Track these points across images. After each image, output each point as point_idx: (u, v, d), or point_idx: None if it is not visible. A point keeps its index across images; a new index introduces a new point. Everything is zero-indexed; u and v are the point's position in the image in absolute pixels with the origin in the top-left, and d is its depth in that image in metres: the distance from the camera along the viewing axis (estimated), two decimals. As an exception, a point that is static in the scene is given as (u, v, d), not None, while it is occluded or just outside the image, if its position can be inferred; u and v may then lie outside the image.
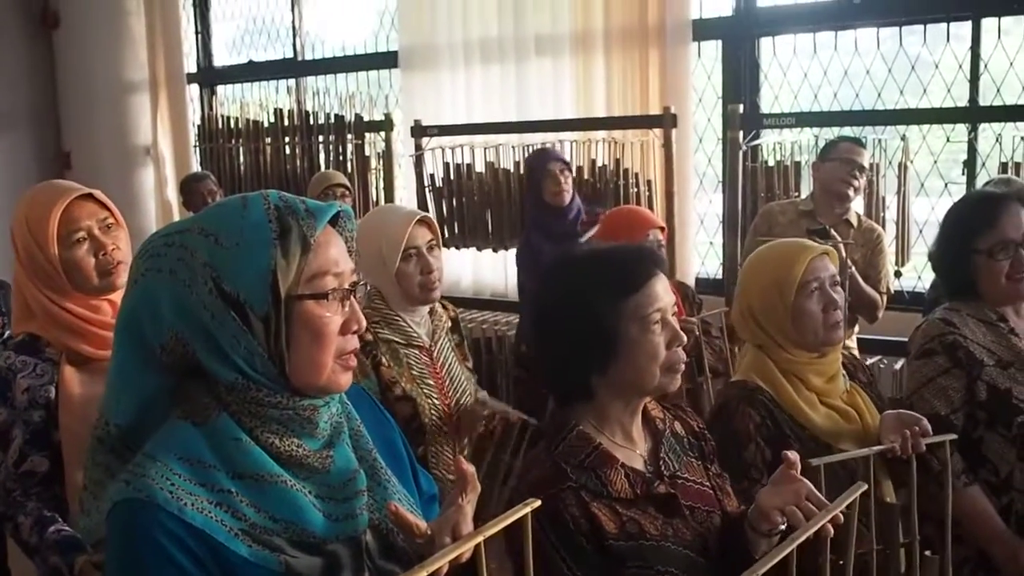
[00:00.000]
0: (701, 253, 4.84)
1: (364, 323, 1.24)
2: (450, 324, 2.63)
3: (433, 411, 2.41)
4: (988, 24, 4.12)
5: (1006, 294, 2.27)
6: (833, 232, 3.31)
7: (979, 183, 3.88)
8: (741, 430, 1.91)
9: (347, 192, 4.25)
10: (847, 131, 3.95)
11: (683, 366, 1.60)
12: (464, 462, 1.22)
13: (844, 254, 3.26)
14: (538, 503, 1.19)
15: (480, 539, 1.12)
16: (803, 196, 3.90)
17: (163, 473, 1.14)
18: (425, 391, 2.42)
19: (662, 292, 1.58)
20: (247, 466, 1.17)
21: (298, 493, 1.19)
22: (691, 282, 4.41)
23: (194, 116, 6.45)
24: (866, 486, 1.47)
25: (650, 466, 1.62)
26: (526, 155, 4.49)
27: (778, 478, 1.47)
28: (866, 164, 3.62)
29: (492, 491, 2.44)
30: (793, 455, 1.48)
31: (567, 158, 4.22)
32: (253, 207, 1.19)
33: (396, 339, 2.43)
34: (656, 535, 1.53)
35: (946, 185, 4.22)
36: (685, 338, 1.60)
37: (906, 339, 2.41)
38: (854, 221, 3.62)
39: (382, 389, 2.35)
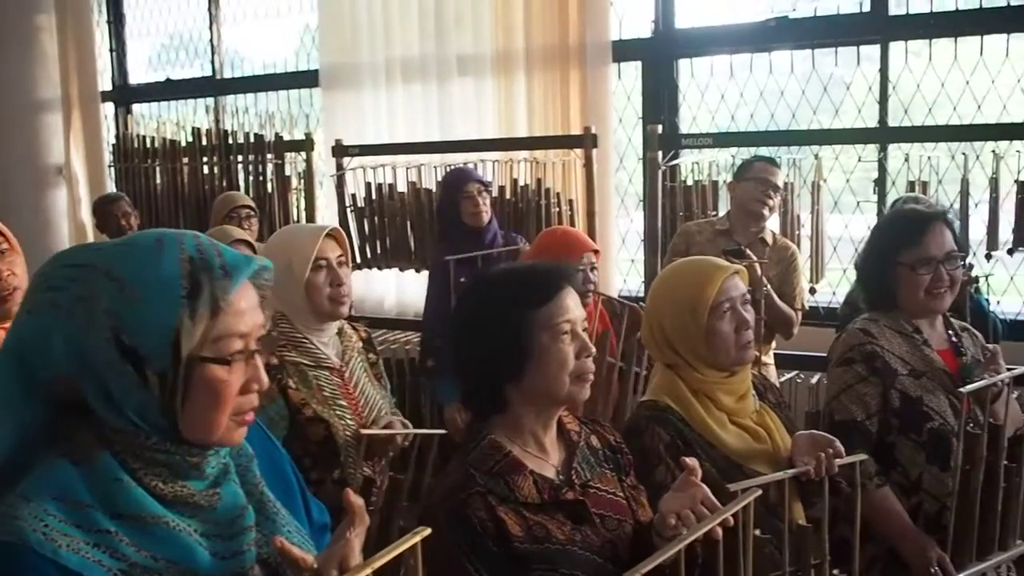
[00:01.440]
0: (623, 271, 4.88)
1: (266, 382, 1.20)
2: (361, 344, 2.60)
3: (348, 432, 2.37)
4: (896, 48, 4.25)
5: (924, 307, 2.37)
6: (747, 251, 3.37)
7: (889, 201, 3.99)
8: (651, 450, 1.92)
9: (252, 213, 4.18)
10: (763, 151, 4.03)
11: (592, 376, 1.65)
12: (352, 495, 1.20)
13: (759, 272, 3.33)
14: (427, 531, 1.18)
15: (368, 571, 1.10)
16: (720, 215, 3.96)
17: (36, 514, 1.08)
18: (338, 412, 2.38)
19: (572, 305, 1.64)
20: (128, 507, 1.12)
21: (182, 533, 1.15)
22: (613, 300, 4.44)
23: (109, 135, 6.31)
24: (760, 491, 1.54)
25: (562, 475, 1.65)
26: (447, 175, 4.49)
27: (679, 484, 1.53)
28: (780, 183, 3.69)
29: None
30: (692, 461, 1.54)
31: (488, 178, 4.20)
32: (167, 256, 1.13)
33: (304, 361, 2.39)
34: (563, 540, 1.57)
35: (858, 203, 4.32)
36: (594, 350, 1.66)
37: (822, 354, 2.48)
38: (769, 239, 3.68)
39: (292, 411, 2.32)
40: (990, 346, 2.39)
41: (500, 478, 1.58)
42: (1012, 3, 4.08)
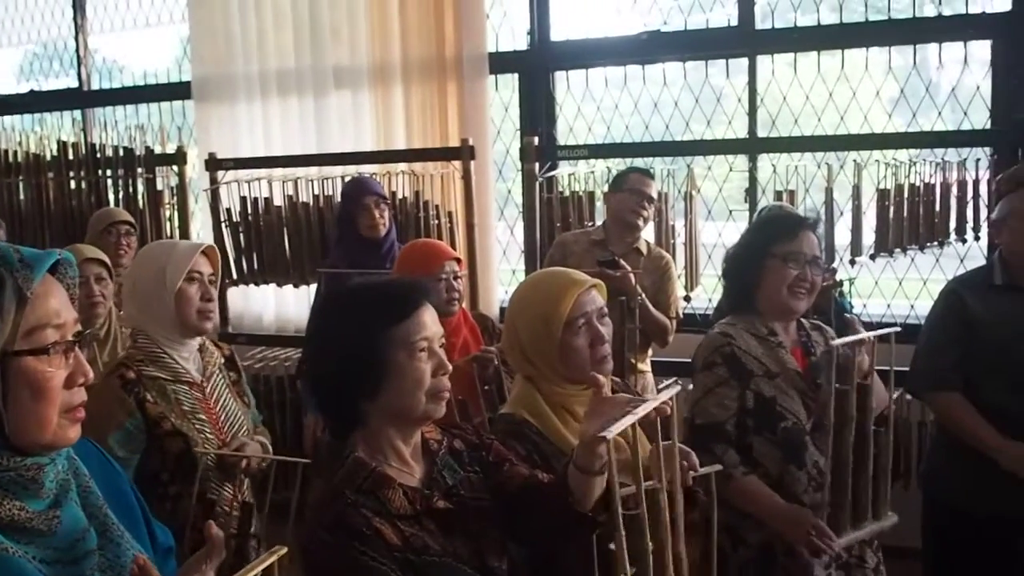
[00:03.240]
0: (504, 282, 4.89)
1: (91, 375, 1.17)
2: (223, 361, 2.60)
3: (208, 447, 2.37)
4: (763, 61, 4.38)
5: (782, 305, 2.43)
6: (621, 261, 3.42)
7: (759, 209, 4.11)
8: None
9: (132, 230, 4.04)
10: (638, 162, 4.10)
11: (448, 393, 1.65)
12: (214, 527, 1.18)
13: (633, 282, 3.38)
14: (284, 550, 1.16)
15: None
16: (595, 225, 4.01)
17: None
18: (198, 427, 2.38)
19: (429, 322, 1.63)
20: None
21: (20, 560, 1.10)
22: (495, 311, 4.45)
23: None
24: (679, 387, 1.59)
25: (426, 487, 1.65)
26: (326, 188, 4.43)
27: (593, 406, 1.56)
28: (655, 194, 3.75)
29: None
30: (601, 377, 1.61)
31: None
32: None
33: (163, 375, 2.38)
34: (439, 551, 1.58)
35: (731, 212, 4.44)
36: (449, 367, 1.65)
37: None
38: (644, 249, 3.73)
39: (150, 425, 2.32)
40: (847, 315, 2.48)
41: (371, 494, 1.57)
42: (870, 19, 4.26)
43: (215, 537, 1.19)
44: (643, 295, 3.49)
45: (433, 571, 1.55)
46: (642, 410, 1.44)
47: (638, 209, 3.65)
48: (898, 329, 2.34)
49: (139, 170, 5.00)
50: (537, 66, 4.75)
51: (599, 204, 4.30)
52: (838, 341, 2.22)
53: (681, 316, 3.82)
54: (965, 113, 4.17)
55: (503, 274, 4.88)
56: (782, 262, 2.41)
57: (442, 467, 1.69)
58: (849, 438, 2.23)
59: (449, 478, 1.68)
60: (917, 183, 3.88)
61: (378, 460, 1.62)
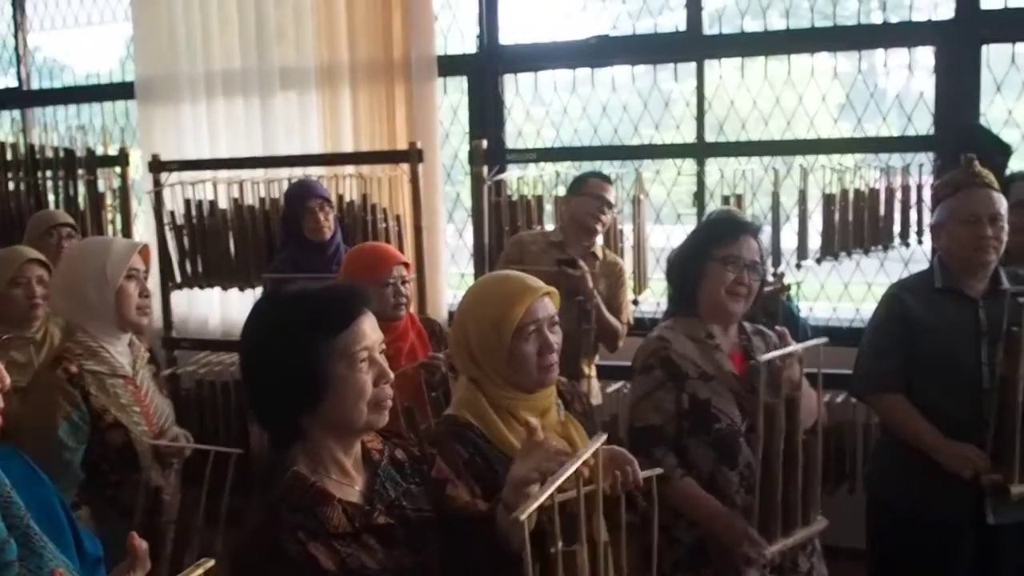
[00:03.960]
0: (453, 286, 4.86)
1: (7, 380, 1.12)
2: (147, 355, 2.72)
3: (145, 439, 2.50)
4: (711, 66, 4.40)
5: (721, 307, 2.46)
6: (581, 263, 3.44)
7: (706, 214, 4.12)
8: (451, 467, 1.89)
9: (73, 232, 3.95)
10: (586, 165, 4.10)
11: (391, 402, 1.62)
12: (136, 538, 1.14)
13: (591, 283, 3.40)
14: (212, 563, 1.13)
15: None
16: (546, 228, 4.01)
17: None
18: (135, 419, 2.51)
19: (369, 330, 1.60)
20: None
21: None
22: (444, 315, 4.43)
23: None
24: (606, 435, 1.60)
25: (367, 499, 1.62)
26: (272, 191, 4.37)
27: (524, 449, 1.57)
28: (613, 200, 3.75)
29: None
30: (535, 421, 1.61)
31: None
32: None
33: (102, 370, 2.50)
34: (376, 568, 1.55)
35: (679, 216, 4.45)
36: (392, 376, 1.62)
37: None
38: (600, 254, 3.75)
39: (94, 418, 2.44)
40: (778, 328, 2.49)
41: (309, 512, 1.53)
42: (817, 25, 4.29)
43: (139, 549, 1.14)
44: (599, 298, 3.51)
45: None
46: (562, 476, 1.43)
47: (597, 214, 3.66)
48: (826, 340, 2.34)
49: (80, 172, 4.90)
50: (486, 69, 4.72)
51: (548, 208, 4.29)
52: (765, 356, 2.20)
53: (632, 323, 3.83)
54: (909, 119, 4.22)
55: (452, 278, 4.85)
56: (721, 265, 2.44)
57: (384, 478, 1.67)
58: (779, 450, 2.23)
59: (391, 490, 1.66)
60: (862, 188, 3.92)
61: (319, 474, 1.59)
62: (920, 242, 3.93)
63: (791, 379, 2.27)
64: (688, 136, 4.47)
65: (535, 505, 1.36)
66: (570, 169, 4.36)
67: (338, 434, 1.61)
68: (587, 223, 3.67)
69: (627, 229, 4.23)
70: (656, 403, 2.40)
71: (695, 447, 2.40)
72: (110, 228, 4.92)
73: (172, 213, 4.60)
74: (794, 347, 2.28)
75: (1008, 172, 3.60)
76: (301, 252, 3.81)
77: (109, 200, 4.93)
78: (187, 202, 4.55)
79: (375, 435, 1.72)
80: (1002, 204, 2.74)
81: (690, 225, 4.25)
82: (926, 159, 3.91)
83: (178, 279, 4.60)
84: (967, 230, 2.72)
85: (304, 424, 1.59)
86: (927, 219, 3.86)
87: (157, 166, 4.62)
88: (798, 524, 2.31)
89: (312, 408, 1.56)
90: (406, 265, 3.09)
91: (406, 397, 2.83)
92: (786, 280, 3.66)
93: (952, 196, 2.80)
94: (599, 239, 3.87)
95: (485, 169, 4.13)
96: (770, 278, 3.58)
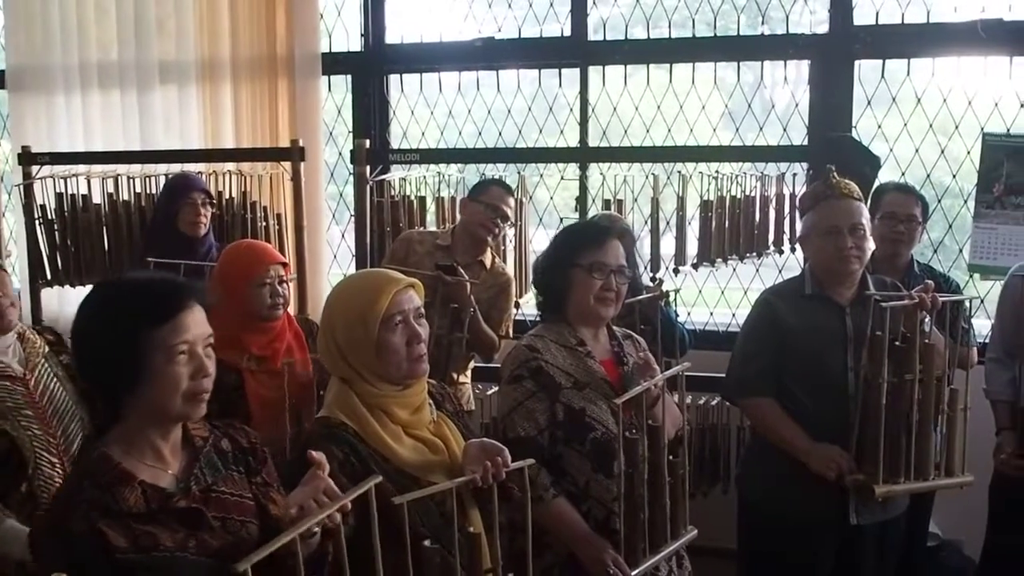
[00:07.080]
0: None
1: None
2: (48, 349, 2.57)
3: (36, 443, 2.36)
4: (595, 72, 4.45)
5: (591, 313, 2.47)
6: (460, 269, 3.36)
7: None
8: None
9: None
10: (471, 168, 4.08)
11: (207, 395, 1.66)
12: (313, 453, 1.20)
13: (468, 292, 3.33)
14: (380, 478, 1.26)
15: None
16: (432, 230, 3.96)
17: None
18: (23, 423, 2.38)
19: (193, 324, 1.63)
20: None
21: None
22: (324, 317, 4.35)
23: None
24: (380, 478, 1.63)
25: (181, 483, 1.67)
26: (148, 186, 4.24)
27: (306, 479, 1.59)
28: (511, 212, 3.65)
29: None
30: (320, 455, 1.61)
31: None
32: None
33: None
34: (172, 547, 1.58)
35: (561, 220, 4.48)
36: (211, 370, 1.66)
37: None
38: (488, 263, 3.65)
39: None
40: (642, 354, 2.51)
41: (107, 490, 1.57)
42: (697, 35, 4.38)
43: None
44: (476, 308, 3.43)
45: (161, 565, 1.55)
46: (324, 512, 1.52)
47: (490, 225, 3.55)
48: (688, 365, 2.40)
49: (-57, 163, 4.68)
50: (371, 68, 4.69)
51: (431, 209, 4.27)
52: (622, 398, 2.19)
53: (510, 336, 3.77)
54: (785, 129, 4.33)
55: (335, 278, 4.78)
56: (587, 272, 2.45)
57: (204, 464, 1.71)
58: (642, 479, 2.25)
59: (209, 476, 1.71)
60: (739, 196, 3.99)
61: (131, 456, 1.63)
62: (793, 250, 4.02)
63: (655, 415, 2.29)
64: (572, 141, 4.51)
65: (271, 549, 1.43)
66: (454, 172, 4.36)
67: (154, 421, 1.65)
68: (478, 233, 3.56)
69: (509, 232, 4.23)
70: (527, 414, 2.39)
71: (570, 457, 2.40)
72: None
73: (43, 207, 4.42)
74: (656, 379, 2.28)
75: (877, 183, 3.72)
76: (172, 247, 3.67)
77: (-26, 193, 4.72)
78: (59, 196, 4.37)
79: (203, 423, 1.77)
80: (862, 213, 2.83)
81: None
82: (800, 169, 4.01)
83: (48, 276, 4.42)
84: (828, 242, 2.80)
85: (124, 408, 1.64)
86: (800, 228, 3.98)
87: (28, 158, 4.44)
88: (666, 540, 2.34)
89: (130, 394, 1.62)
90: (284, 265, 3.03)
91: (293, 394, 2.80)
92: (664, 286, 3.69)
93: (812, 209, 2.88)
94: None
95: (368, 169, 4.09)
96: (649, 283, 3.63)
